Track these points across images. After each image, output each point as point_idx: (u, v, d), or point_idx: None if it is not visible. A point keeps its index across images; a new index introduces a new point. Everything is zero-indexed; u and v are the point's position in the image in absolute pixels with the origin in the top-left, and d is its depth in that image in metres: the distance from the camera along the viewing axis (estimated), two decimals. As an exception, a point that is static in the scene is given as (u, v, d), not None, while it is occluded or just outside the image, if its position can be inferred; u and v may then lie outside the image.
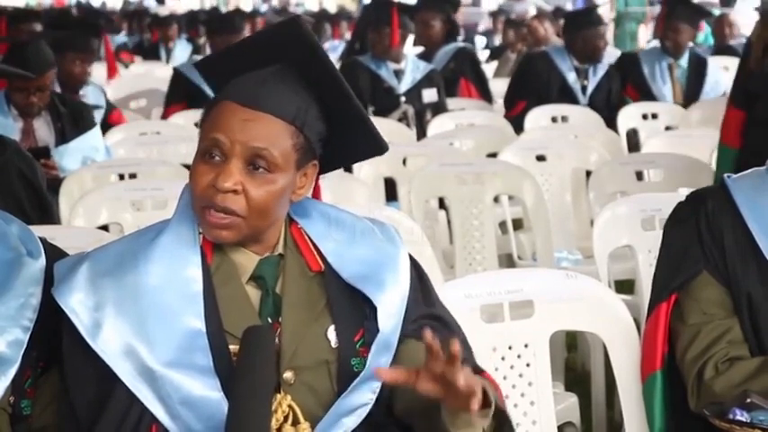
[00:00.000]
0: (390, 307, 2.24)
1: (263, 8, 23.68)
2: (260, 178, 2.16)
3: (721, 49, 9.47)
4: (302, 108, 2.19)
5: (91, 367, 2.15)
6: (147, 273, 2.17)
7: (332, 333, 2.23)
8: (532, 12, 12.97)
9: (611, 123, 6.80)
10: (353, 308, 2.25)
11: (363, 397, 2.21)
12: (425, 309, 2.31)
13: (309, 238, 2.29)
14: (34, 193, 4.03)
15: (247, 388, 2.06)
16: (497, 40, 15.56)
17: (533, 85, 7.37)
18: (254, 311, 2.22)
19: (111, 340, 2.14)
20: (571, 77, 7.37)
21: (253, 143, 2.15)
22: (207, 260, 2.21)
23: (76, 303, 2.16)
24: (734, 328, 2.54)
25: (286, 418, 2.16)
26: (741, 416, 2.34)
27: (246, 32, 7.61)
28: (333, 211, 2.34)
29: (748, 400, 2.36)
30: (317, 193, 2.36)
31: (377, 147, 2.35)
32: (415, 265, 2.34)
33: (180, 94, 7.31)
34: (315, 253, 2.27)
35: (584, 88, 7.38)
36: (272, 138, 2.16)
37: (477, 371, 2.30)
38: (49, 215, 4.09)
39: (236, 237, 2.19)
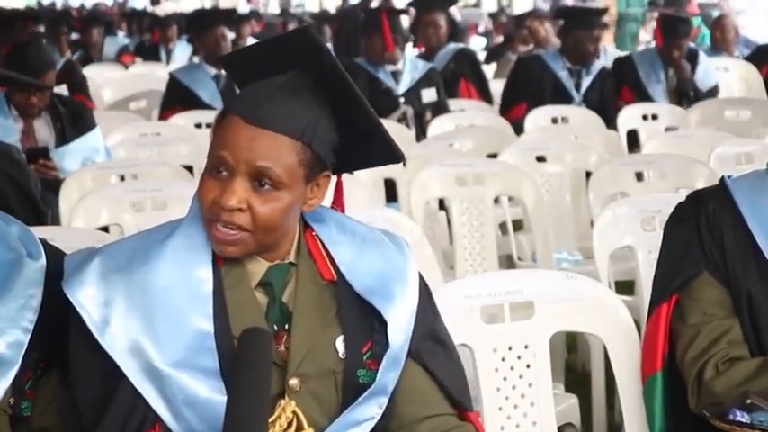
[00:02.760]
0: (400, 322, 2.24)
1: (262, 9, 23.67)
2: (266, 195, 2.15)
3: (720, 50, 9.48)
4: (311, 122, 2.17)
5: (97, 363, 2.15)
6: (158, 271, 2.17)
7: (340, 343, 2.23)
8: None
9: (604, 121, 6.81)
10: (363, 319, 2.25)
11: (370, 411, 2.21)
12: (430, 326, 2.31)
13: (323, 245, 2.28)
14: (26, 199, 4.02)
15: (244, 389, 2.06)
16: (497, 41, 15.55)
17: (528, 88, 7.39)
18: (262, 317, 2.21)
19: (118, 337, 2.14)
20: (563, 77, 7.38)
21: (257, 162, 2.14)
22: (218, 263, 2.21)
23: (86, 298, 2.16)
24: (734, 328, 2.54)
25: (290, 424, 2.16)
26: (741, 417, 2.34)
27: (226, 29, 7.63)
28: (346, 220, 2.34)
29: (748, 401, 2.36)
30: (340, 203, 2.36)
31: (392, 155, 2.33)
32: (422, 280, 2.33)
33: (175, 99, 7.33)
34: (328, 261, 2.27)
35: (577, 87, 7.39)
36: (276, 155, 2.14)
37: (465, 409, 2.32)
38: (41, 221, 4.08)
39: (243, 252, 2.19)
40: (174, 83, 7.45)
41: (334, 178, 2.31)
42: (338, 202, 2.38)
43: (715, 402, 2.44)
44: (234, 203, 2.14)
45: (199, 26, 7.77)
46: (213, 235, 2.17)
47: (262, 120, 2.15)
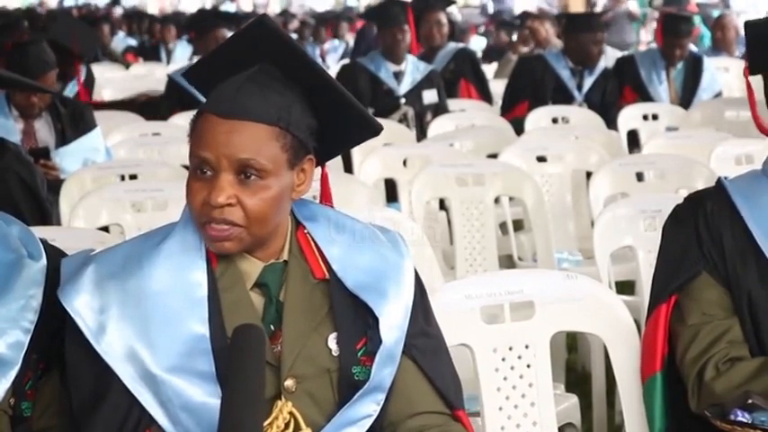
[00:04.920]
0: (393, 318, 2.24)
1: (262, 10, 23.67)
2: (253, 186, 2.15)
3: (720, 50, 9.50)
4: (284, 107, 2.17)
5: (92, 369, 2.15)
6: (152, 277, 2.17)
7: (333, 341, 2.23)
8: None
9: (605, 121, 6.82)
10: (357, 316, 2.24)
11: (367, 408, 2.21)
12: (422, 324, 2.31)
13: (315, 243, 2.28)
14: (33, 199, 4.02)
15: (237, 387, 2.05)
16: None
17: (530, 87, 7.40)
18: (258, 318, 2.21)
19: (114, 344, 2.14)
20: (565, 76, 7.40)
21: (239, 155, 2.13)
22: (212, 265, 2.21)
23: (81, 305, 2.15)
24: (734, 328, 2.54)
25: (287, 425, 2.16)
26: (742, 417, 2.33)
27: (227, 32, 7.64)
28: (340, 216, 2.33)
29: (749, 401, 2.35)
30: (327, 196, 2.36)
31: (370, 128, 2.33)
32: (416, 277, 2.33)
33: (174, 102, 7.32)
34: (320, 260, 2.26)
35: (579, 87, 7.40)
36: (257, 145, 2.14)
37: (455, 407, 2.31)
38: (47, 221, 4.08)
39: (239, 247, 2.19)
40: (173, 85, 7.45)
41: (318, 170, 2.31)
42: (326, 195, 2.37)
43: (716, 403, 2.43)
44: (223, 199, 2.13)
45: (200, 28, 7.77)
46: (208, 234, 2.17)
47: (236, 111, 2.14)
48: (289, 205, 2.24)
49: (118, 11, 19.54)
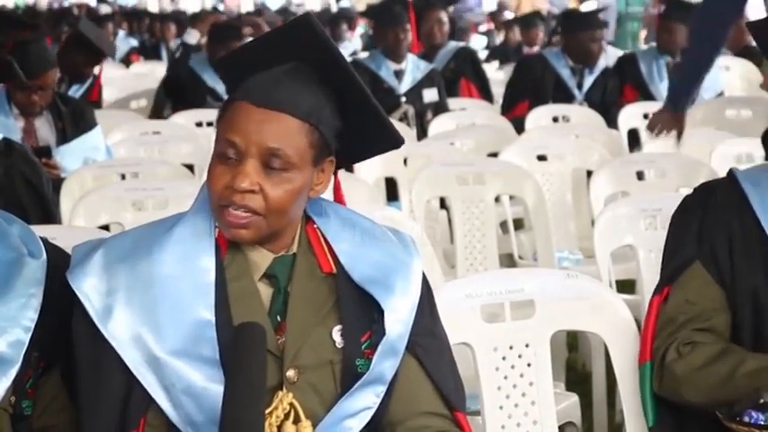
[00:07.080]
0: (399, 313, 2.24)
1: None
2: (277, 177, 2.17)
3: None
4: (316, 105, 2.20)
5: (96, 353, 2.15)
6: (161, 261, 2.18)
7: (337, 333, 2.23)
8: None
9: (606, 120, 6.82)
10: (363, 309, 2.25)
11: (366, 400, 2.21)
12: (428, 324, 2.31)
13: (324, 238, 2.29)
14: (38, 199, 4.03)
15: (239, 382, 2.05)
16: (497, 40, 15.57)
17: (530, 86, 7.40)
18: (264, 309, 2.22)
19: (120, 327, 2.15)
20: (566, 75, 7.40)
21: (268, 144, 2.15)
22: (221, 254, 2.22)
23: (89, 288, 2.17)
24: (712, 319, 2.50)
25: (287, 416, 2.17)
26: (758, 419, 2.30)
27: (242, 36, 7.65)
28: (350, 214, 2.35)
29: (761, 401, 2.32)
30: (339, 197, 2.37)
31: (392, 140, 2.36)
32: (424, 279, 2.33)
33: (168, 98, 7.34)
34: (328, 254, 2.28)
35: (579, 86, 7.40)
36: (286, 136, 2.16)
37: (455, 409, 2.31)
38: (52, 221, 4.09)
39: (255, 235, 2.20)
40: (171, 82, 7.45)
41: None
42: (338, 200, 2.39)
43: (726, 403, 2.40)
44: (247, 185, 2.15)
45: (215, 39, 7.70)
46: (225, 220, 2.18)
47: (271, 102, 2.17)
48: (305, 202, 2.26)
49: (104, 8, 19.46)
